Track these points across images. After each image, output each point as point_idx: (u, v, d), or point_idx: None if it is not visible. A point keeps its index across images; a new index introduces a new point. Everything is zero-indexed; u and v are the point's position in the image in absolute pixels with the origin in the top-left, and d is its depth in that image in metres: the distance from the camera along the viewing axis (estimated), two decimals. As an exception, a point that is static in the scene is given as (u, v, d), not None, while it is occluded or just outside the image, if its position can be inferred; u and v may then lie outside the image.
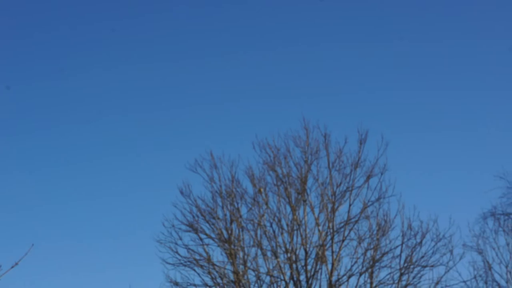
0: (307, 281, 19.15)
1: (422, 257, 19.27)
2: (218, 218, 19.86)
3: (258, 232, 19.66)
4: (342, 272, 19.24)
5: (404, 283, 19.07)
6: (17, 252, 8.30)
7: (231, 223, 19.78)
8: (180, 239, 19.91)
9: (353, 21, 38.86)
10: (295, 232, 19.50)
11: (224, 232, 19.72)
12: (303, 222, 19.54)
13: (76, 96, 39.73)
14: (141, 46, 39.78)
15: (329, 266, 19.14)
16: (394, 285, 19.04)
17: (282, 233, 19.59)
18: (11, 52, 39.90)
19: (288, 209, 19.70)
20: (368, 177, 19.75)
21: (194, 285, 19.52)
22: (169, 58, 39.86)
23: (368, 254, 19.28)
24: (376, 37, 38.81)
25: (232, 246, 19.47)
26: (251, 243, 19.59)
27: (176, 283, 19.53)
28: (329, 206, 19.57)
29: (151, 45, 40.00)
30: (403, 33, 38.30)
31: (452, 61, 37.98)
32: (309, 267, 19.27)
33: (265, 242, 19.60)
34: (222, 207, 19.95)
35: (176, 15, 39.88)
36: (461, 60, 38.09)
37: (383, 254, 19.30)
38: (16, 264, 8.07)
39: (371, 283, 19.07)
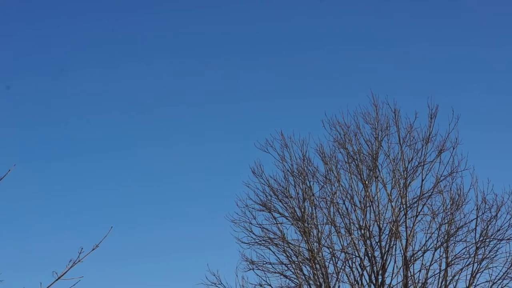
0: (381, 257, 19.17)
1: (498, 230, 19.00)
2: (291, 197, 20.01)
3: (331, 209, 19.76)
4: (416, 247, 19.18)
5: (480, 257, 18.86)
6: (98, 235, 8.62)
7: (303, 202, 19.92)
8: (254, 218, 20.15)
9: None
10: (368, 208, 19.52)
11: (297, 210, 19.87)
12: (375, 198, 19.54)
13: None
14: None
15: (404, 242, 19.11)
16: (470, 259, 18.87)
17: (355, 210, 19.63)
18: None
19: (360, 186, 19.73)
20: (440, 152, 19.61)
21: (270, 263, 19.71)
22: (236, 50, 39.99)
23: (443, 228, 19.15)
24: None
25: (306, 224, 19.61)
26: (325, 220, 19.71)
27: (252, 262, 19.75)
28: (401, 181, 19.52)
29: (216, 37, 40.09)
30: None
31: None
32: (383, 243, 19.27)
33: (338, 219, 19.68)
34: (294, 186, 20.11)
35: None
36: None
37: (457, 229, 19.14)
38: (97, 246, 8.38)
39: (446, 257, 18.95)
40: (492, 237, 18.95)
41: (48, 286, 8.18)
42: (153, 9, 40.00)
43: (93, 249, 8.33)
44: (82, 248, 8.25)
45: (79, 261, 8.26)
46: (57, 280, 8.23)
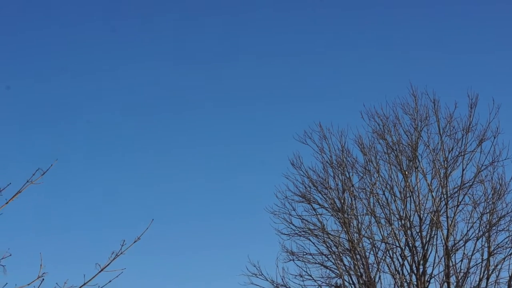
0: (422, 247, 19.10)
1: (541, 219, 18.87)
2: (330, 188, 20.03)
3: (371, 200, 19.74)
4: (458, 237, 19.09)
5: (523, 246, 18.74)
6: (139, 227, 8.75)
7: (343, 193, 19.92)
8: (294, 209, 20.23)
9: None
10: (408, 199, 19.46)
11: (337, 201, 19.89)
12: (415, 188, 19.47)
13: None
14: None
15: (445, 232, 19.02)
16: (512, 249, 18.73)
17: (395, 201, 19.59)
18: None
19: (400, 176, 19.67)
20: (481, 141, 19.45)
21: (310, 254, 19.77)
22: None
23: (484, 218, 19.02)
24: None
25: (346, 215, 19.61)
26: (364, 211, 19.69)
27: (292, 253, 19.84)
28: (442, 171, 19.41)
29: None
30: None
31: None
32: (424, 233, 19.21)
33: (378, 210, 19.68)
34: (334, 177, 20.12)
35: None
36: None
37: (499, 218, 19.00)
38: (138, 238, 8.51)
39: (488, 247, 18.81)
40: (535, 226, 18.77)
41: (91, 278, 8.32)
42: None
43: (134, 241, 8.46)
44: (124, 241, 8.39)
45: (121, 253, 8.39)
46: (100, 272, 8.37)
